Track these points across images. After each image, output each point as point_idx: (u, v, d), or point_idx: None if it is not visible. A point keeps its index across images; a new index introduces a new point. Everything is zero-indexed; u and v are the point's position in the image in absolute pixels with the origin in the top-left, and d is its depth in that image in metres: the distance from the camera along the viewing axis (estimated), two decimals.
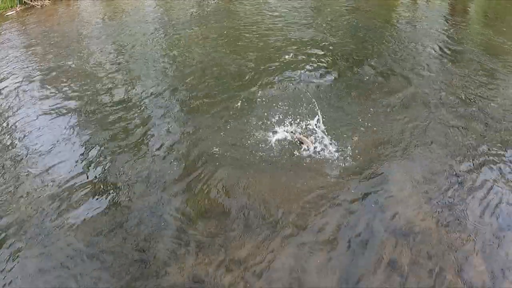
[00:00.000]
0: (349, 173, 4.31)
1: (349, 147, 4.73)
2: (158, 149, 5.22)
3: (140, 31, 10.88)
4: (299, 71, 6.97)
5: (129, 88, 7.42)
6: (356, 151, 4.71)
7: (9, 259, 3.58)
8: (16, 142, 5.89)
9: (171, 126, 5.75)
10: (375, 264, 3.22)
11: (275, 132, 5.09)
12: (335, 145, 4.82)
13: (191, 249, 3.24)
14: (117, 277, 3.07)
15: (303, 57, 7.68)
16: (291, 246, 3.34)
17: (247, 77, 6.94)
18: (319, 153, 4.53)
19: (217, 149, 4.92)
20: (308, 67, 7.18)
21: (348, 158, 4.59)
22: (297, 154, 4.65)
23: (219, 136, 5.22)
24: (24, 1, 17.99)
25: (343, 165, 4.43)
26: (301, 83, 6.56)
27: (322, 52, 7.87)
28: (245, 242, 3.26)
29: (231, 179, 4.28)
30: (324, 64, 7.36)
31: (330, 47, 8.07)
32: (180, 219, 3.63)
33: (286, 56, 7.45)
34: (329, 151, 4.74)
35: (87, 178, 4.71)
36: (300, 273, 3.07)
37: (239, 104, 6.03)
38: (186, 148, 5.10)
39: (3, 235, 3.91)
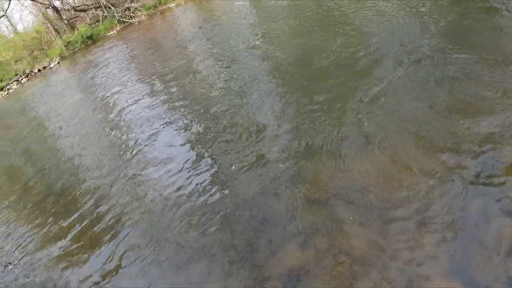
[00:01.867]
0: None
1: None
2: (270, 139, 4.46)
3: (235, 28, 9.83)
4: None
5: (232, 78, 6.71)
6: None
7: (124, 252, 3.69)
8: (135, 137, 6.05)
9: (294, 123, 4.65)
10: None
11: None
12: None
13: (298, 239, 2.98)
14: (226, 268, 3.01)
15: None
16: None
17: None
18: None
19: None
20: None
21: None
22: None
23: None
24: (123, 20, 18.54)
25: None
26: None
27: None
28: (353, 233, 2.87)
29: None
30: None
31: None
32: (287, 209, 3.33)
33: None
34: None
35: (197, 171, 4.43)
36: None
37: None
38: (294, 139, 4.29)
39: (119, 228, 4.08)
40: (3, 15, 24.05)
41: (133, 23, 17.92)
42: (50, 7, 19.90)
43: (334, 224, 3.01)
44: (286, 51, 6.80)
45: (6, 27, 28.97)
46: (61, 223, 4.75)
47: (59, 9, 19.97)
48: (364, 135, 3.85)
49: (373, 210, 2.99)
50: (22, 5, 23.46)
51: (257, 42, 7.93)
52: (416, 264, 2.51)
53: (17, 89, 17.30)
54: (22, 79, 17.92)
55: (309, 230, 3.03)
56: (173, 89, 7.40)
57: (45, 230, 4.83)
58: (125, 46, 14.76)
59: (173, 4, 17.97)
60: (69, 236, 4.43)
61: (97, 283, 3.52)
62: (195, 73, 7.78)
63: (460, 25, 5.29)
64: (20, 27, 28.51)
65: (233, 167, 4.21)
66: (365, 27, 6.39)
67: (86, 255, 3.95)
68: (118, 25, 18.56)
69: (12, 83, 18.37)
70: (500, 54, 4.16)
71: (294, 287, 2.68)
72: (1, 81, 19.74)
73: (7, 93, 17.45)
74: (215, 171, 4.31)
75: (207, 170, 4.39)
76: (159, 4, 18.66)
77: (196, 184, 4.20)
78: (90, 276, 3.65)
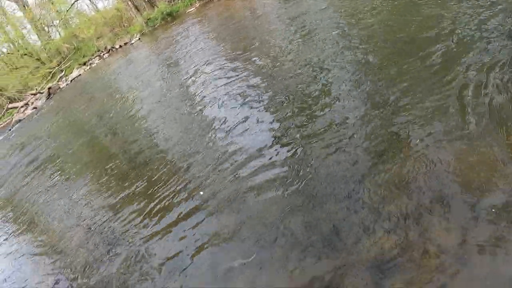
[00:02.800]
0: None
1: None
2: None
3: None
4: None
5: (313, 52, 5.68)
6: None
7: (203, 220, 3.52)
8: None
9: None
10: None
11: None
12: None
13: (384, 227, 2.58)
14: (307, 250, 2.74)
15: None
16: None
17: None
18: None
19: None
20: None
21: None
22: None
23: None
24: None
25: None
26: None
27: None
28: (446, 225, 2.43)
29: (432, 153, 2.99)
30: None
31: None
32: (375, 195, 2.88)
33: None
34: None
35: (280, 153, 3.92)
36: None
37: None
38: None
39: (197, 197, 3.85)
40: None
41: (213, 0, 17.28)
42: None
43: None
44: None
45: (87, 5, 30.25)
46: (143, 192, 4.59)
47: None
48: None
49: None
50: None
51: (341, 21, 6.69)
52: None
53: (99, 64, 17.60)
54: (103, 54, 18.21)
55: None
56: (256, 67, 6.47)
57: (128, 196, 4.69)
58: (205, 23, 14.13)
59: None
60: (151, 205, 4.21)
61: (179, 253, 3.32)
62: (280, 50, 6.73)
63: None
64: (100, 6, 29.57)
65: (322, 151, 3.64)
66: None
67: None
68: (197, 2, 18.07)
69: (94, 58, 18.78)
70: None
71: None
72: (84, 56, 20.39)
73: (90, 68, 17.83)
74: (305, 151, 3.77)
75: (295, 151, 3.85)
76: None
77: (285, 160, 3.76)
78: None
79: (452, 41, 4.34)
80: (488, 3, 4.81)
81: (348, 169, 3.29)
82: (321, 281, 2.54)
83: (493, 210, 2.42)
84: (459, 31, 4.47)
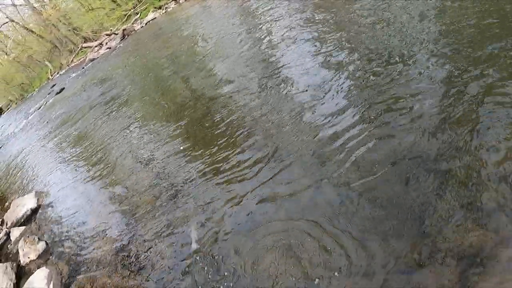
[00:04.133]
0: None
1: None
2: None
3: None
4: None
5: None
6: None
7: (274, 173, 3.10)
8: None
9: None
10: None
11: None
12: None
13: (475, 219, 2.15)
14: (391, 231, 2.29)
15: None
16: None
17: None
18: None
19: None
20: None
21: None
22: None
23: None
24: None
25: None
26: None
27: None
28: None
29: None
30: None
31: None
32: (470, 182, 2.32)
33: None
34: None
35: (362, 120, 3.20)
36: None
37: None
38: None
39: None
40: None
41: None
42: None
43: None
44: None
45: None
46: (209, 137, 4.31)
47: None
48: None
49: None
50: None
51: None
52: None
53: (175, 8, 16.83)
54: None
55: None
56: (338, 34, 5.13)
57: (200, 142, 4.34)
58: None
59: None
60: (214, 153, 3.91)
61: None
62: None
63: None
64: None
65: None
66: None
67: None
68: None
69: (170, 2, 18.02)
70: None
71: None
72: (160, 0, 19.71)
73: (165, 12, 17.14)
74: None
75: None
76: None
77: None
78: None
79: None
80: None
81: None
82: None
83: None
84: None
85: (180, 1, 17.27)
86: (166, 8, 17.67)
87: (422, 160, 2.57)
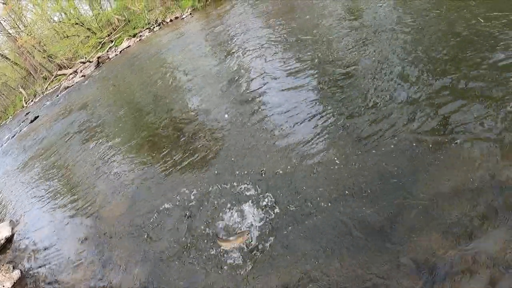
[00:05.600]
0: None
1: None
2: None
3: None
4: None
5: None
6: None
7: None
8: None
9: None
10: None
11: None
12: None
13: (434, 229, 2.47)
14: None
15: None
16: None
17: None
18: None
19: None
20: None
21: None
22: None
23: None
24: None
25: None
26: None
27: None
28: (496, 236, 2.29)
29: None
30: None
31: None
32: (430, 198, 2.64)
33: None
34: None
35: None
36: None
37: None
38: None
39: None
40: None
41: None
42: None
43: None
44: None
45: None
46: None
47: None
48: None
49: None
50: None
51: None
52: None
53: (149, 36, 17.38)
54: (154, 27, 17.95)
55: None
56: (308, 54, 5.81)
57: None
58: (259, 2, 13.33)
59: None
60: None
61: None
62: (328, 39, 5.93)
63: None
64: None
65: None
66: None
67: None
68: None
69: (144, 30, 18.59)
70: None
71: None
72: (134, 28, 20.27)
73: (140, 40, 17.66)
74: None
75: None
76: None
77: None
78: None
79: None
80: None
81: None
82: None
83: None
84: None
85: (155, 30, 17.86)
86: (140, 36, 18.21)
87: None
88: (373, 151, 3.21)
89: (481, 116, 3.05)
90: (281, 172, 3.50)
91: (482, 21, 4.20)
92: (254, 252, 2.89)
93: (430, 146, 3.02)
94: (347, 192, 2.99)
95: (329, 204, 2.96)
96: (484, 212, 2.44)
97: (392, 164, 3.01)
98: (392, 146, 3.17)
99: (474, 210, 2.48)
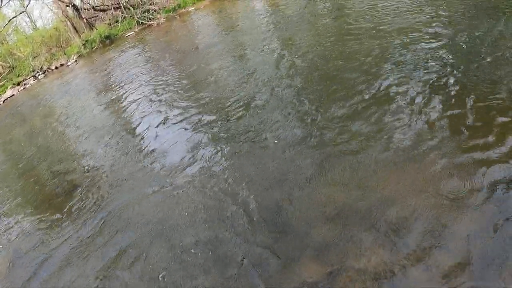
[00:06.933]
0: None
1: None
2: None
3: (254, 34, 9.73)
4: None
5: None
6: None
7: None
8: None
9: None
10: None
11: None
12: None
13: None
14: None
15: None
16: None
17: None
18: None
19: None
20: None
21: None
22: None
23: None
24: (141, 22, 18.66)
25: None
26: None
27: None
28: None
29: None
30: None
31: None
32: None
33: None
34: None
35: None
36: None
37: None
38: None
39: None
40: (23, 11, 24.41)
41: (152, 25, 18.02)
42: (70, 6, 20.12)
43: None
44: None
45: (26, 23, 29.42)
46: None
47: (79, 8, 20.19)
48: None
49: None
50: (43, 2, 23.79)
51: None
52: None
53: (33, 85, 17.44)
54: (39, 75, 18.08)
55: None
56: (188, 92, 7.42)
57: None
58: (143, 47, 14.80)
59: (193, 8, 18.06)
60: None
61: None
62: (214, 77, 7.76)
63: None
64: (39, 24, 28.94)
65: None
66: None
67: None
68: (136, 26, 18.68)
69: (29, 78, 18.53)
70: None
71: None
72: (18, 76, 19.93)
73: (24, 88, 17.60)
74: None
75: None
76: (178, 7, 18.76)
77: None
78: None
79: None
80: None
81: None
82: None
83: None
84: None
85: (39, 77, 17.98)
86: (25, 84, 18.10)
87: None
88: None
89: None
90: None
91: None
92: None
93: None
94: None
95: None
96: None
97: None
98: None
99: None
